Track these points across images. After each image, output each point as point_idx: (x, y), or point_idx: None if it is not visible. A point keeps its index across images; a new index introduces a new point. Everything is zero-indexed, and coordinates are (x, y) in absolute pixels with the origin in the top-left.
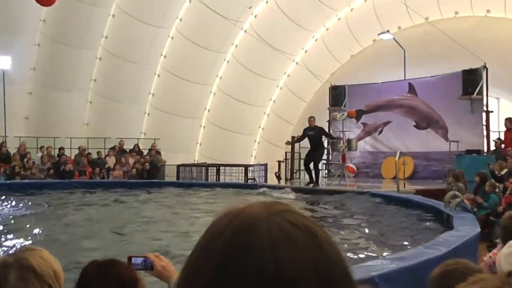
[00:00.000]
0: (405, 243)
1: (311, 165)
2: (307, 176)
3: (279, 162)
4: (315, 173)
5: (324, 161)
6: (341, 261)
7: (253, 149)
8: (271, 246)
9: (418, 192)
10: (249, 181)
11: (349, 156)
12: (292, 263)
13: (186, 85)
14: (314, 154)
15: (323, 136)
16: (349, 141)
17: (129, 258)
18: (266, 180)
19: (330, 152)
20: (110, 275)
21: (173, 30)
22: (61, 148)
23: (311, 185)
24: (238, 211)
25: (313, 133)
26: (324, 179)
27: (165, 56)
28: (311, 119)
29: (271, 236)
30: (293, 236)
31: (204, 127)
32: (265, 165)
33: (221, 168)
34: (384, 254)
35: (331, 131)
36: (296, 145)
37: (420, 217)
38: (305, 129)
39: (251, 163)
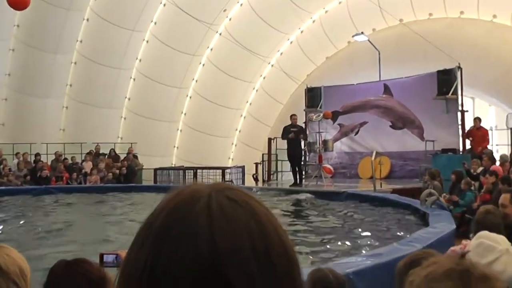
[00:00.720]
0: (381, 241)
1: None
2: (285, 177)
3: (256, 164)
4: (299, 174)
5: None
6: (281, 239)
7: (230, 152)
8: (208, 219)
9: (394, 191)
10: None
11: (326, 157)
12: (227, 236)
13: (162, 89)
14: (296, 154)
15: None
16: (325, 142)
17: (101, 256)
18: (243, 182)
19: (307, 153)
20: (78, 274)
21: (148, 33)
22: (37, 154)
23: (295, 185)
24: (183, 189)
25: (296, 129)
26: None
27: (140, 60)
28: (294, 117)
29: (209, 211)
30: (231, 211)
31: (181, 130)
32: (242, 167)
33: (198, 171)
34: (360, 252)
35: (307, 132)
36: (273, 146)
37: (397, 216)
38: (285, 126)
39: (228, 166)
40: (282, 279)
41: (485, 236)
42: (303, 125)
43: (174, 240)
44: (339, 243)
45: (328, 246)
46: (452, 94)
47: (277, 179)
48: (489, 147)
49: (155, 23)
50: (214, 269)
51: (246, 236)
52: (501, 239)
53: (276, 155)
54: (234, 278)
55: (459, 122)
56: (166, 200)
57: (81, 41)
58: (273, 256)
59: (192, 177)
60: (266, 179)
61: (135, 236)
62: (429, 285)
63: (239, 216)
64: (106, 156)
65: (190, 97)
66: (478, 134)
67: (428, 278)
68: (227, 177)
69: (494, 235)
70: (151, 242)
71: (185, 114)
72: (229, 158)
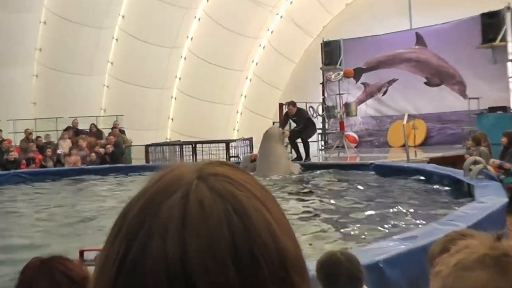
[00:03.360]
0: (417, 220)
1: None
2: (300, 148)
3: None
4: (304, 147)
5: (320, 131)
6: (276, 241)
7: (235, 122)
8: (181, 216)
9: (432, 160)
10: (231, 159)
11: (349, 123)
12: (200, 239)
13: (150, 50)
14: (303, 131)
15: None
16: (347, 105)
17: (81, 252)
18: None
19: (326, 120)
20: (57, 272)
21: None
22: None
23: (300, 161)
24: (166, 172)
25: (296, 118)
26: (320, 151)
27: (123, 16)
28: (291, 106)
29: (185, 206)
30: (210, 207)
31: (175, 98)
32: (250, 139)
33: (197, 145)
34: (391, 235)
35: (325, 94)
36: None
37: (435, 190)
38: (286, 113)
39: (233, 138)
40: None
41: None
42: (321, 86)
43: (144, 237)
44: (366, 224)
45: (352, 229)
46: (500, 41)
47: (291, 152)
48: None
49: None
50: (183, 275)
51: (224, 238)
52: None
53: (290, 123)
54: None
55: (509, 74)
56: (145, 185)
57: None
58: (261, 264)
59: (190, 153)
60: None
61: (112, 226)
62: (458, 276)
63: (220, 215)
64: (88, 133)
65: (185, 59)
66: None
67: (457, 267)
68: (233, 151)
69: None
70: (123, 236)
71: (179, 79)
72: (234, 129)
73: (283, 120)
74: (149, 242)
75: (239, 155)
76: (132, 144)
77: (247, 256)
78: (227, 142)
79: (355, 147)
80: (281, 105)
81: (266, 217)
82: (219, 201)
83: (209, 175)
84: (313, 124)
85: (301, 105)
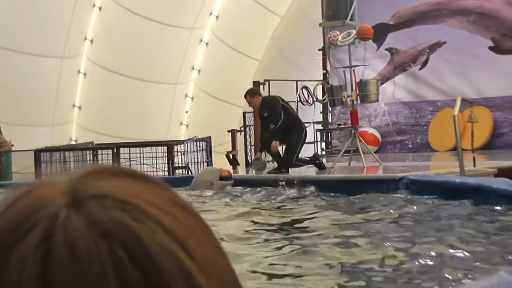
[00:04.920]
0: (479, 266)
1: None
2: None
3: (233, 132)
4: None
5: (319, 126)
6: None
7: (183, 112)
8: (41, 278)
9: (501, 172)
10: (177, 171)
11: (366, 113)
12: None
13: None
14: (288, 134)
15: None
16: (363, 85)
17: None
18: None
19: (329, 109)
20: None
21: None
22: None
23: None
24: (23, 193)
25: (266, 114)
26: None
27: None
28: (248, 97)
29: (47, 255)
30: (89, 255)
31: (84, 74)
32: (207, 140)
33: (121, 150)
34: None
35: (328, 67)
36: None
37: (507, 219)
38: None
39: (180, 139)
40: None
41: None
42: (320, 54)
43: None
44: (400, 268)
45: (378, 274)
46: None
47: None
48: None
49: None
50: None
51: None
52: None
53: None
54: None
55: None
56: None
57: None
58: None
59: (110, 161)
60: (252, 158)
61: None
62: None
63: (103, 264)
64: None
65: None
66: None
67: None
68: (179, 159)
69: None
70: None
71: (91, 41)
72: (181, 123)
73: (261, 127)
74: None
75: (188, 164)
76: (13, 148)
77: None
78: (170, 145)
79: (376, 151)
80: (256, 84)
81: (180, 260)
82: (103, 244)
83: (88, 198)
84: (297, 121)
85: (289, 86)
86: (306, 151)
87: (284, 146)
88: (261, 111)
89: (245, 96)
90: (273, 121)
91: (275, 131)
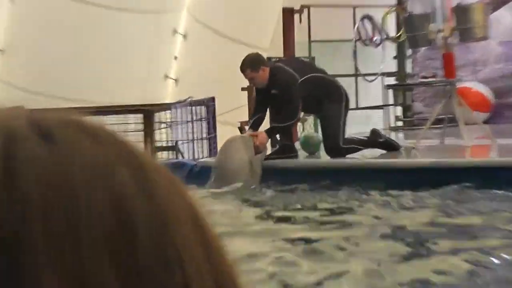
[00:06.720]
0: None
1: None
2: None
3: (250, 91)
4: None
5: (393, 80)
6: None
7: (171, 59)
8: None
9: None
10: (160, 153)
11: (468, 57)
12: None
13: None
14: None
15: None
16: (463, 11)
17: None
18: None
19: (407, 51)
20: None
21: None
22: None
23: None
24: None
25: (276, 92)
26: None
27: None
28: (248, 71)
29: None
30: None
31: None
32: (209, 102)
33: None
34: None
35: None
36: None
37: None
38: (258, 90)
39: (165, 102)
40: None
41: None
42: None
43: None
44: None
45: None
46: None
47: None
48: None
49: None
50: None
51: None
52: None
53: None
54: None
55: None
56: None
57: None
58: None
59: None
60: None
61: None
62: None
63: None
64: None
65: None
66: None
67: None
68: (162, 134)
69: None
70: None
71: None
72: (166, 76)
73: (255, 101)
74: None
75: (178, 143)
76: None
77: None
78: (148, 112)
79: (486, 121)
80: (289, 14)
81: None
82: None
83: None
84: (332, 81)
85: (341, 15)
86: (367, 122)
87: (319, 122)
88: (269, 87)
89: (244, 69)
90: (284, 110)
91: (284, 126)
